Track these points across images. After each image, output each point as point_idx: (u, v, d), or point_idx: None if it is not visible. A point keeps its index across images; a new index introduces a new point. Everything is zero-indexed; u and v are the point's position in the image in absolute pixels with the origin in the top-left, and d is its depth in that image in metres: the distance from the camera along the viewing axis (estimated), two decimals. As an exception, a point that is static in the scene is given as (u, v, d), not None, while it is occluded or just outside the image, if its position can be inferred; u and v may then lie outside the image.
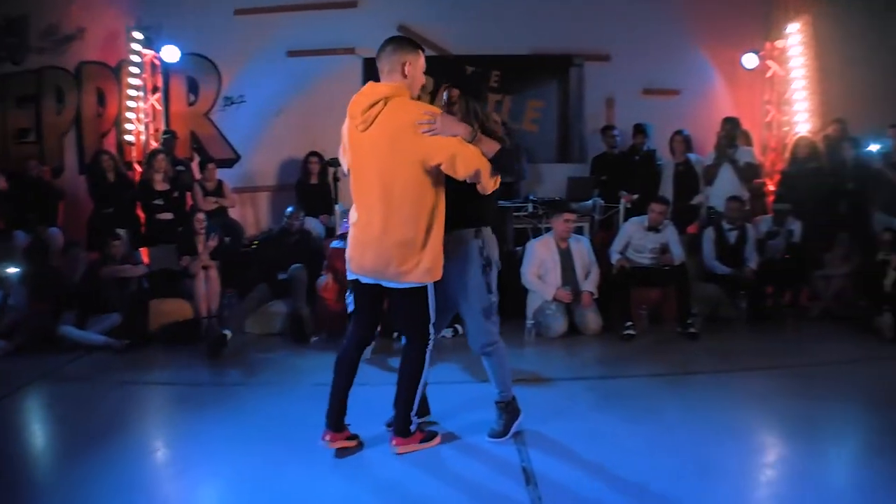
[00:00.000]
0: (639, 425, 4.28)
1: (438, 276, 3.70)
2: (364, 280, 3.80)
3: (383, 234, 3.60)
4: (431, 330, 3.81)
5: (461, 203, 3.69)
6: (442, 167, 3.52)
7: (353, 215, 3.80)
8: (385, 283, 3.74)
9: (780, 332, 7.01)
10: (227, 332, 6.10)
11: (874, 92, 8.57)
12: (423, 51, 3.78)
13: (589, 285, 6.75)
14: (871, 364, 5.74)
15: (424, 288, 3.72)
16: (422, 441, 3.94)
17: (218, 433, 4.33)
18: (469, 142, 3.53)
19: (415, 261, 3.61)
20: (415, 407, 3.91)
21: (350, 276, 3.93)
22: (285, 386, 5.37)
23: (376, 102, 3.60)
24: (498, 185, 3.73)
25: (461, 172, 3.52)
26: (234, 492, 3.54)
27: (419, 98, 3.88)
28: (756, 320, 7.12)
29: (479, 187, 3.63)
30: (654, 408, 4.62)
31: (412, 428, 3.92)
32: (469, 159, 3.51)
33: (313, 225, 8.12)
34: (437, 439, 4.00)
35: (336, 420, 3.99)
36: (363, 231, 3.70)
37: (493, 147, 3.58)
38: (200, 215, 7.27)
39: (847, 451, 4.07)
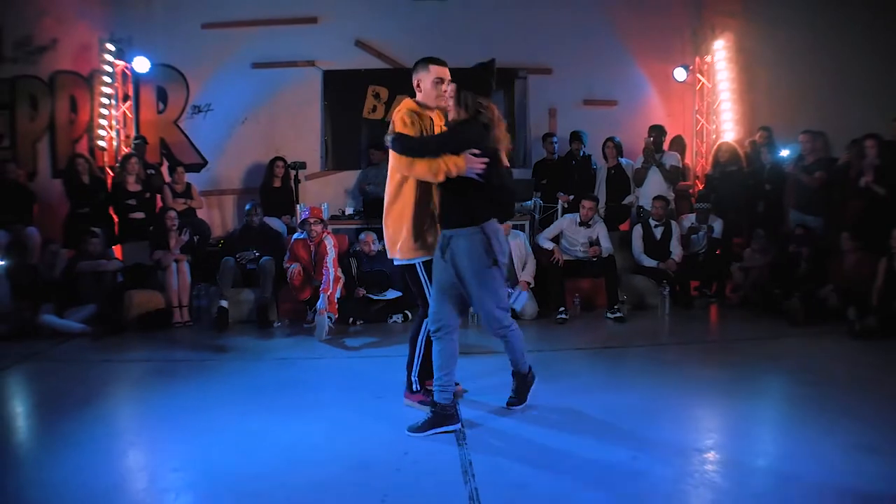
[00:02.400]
0: (557, 385, 4.90)
1: (414, 256, 4.21)
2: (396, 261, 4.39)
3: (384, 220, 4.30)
4: (431, 304, 4.16)
5: (462, 201, 3.95)
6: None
7: None
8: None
9: (700, 317, 7.65)
10: (224, 303, 6.70)
11: (797, 101, 9.08)
12: (436, 64, 4.20)
13: (526, 275, 7.42)
14: (779, 340, 6.36)
15: (414, 266, 4.30)
16: (421, 401, 4.37)
17: (190, 397, 4.87)
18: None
19: (397, 243, 4.24)
20: (415, 369, 4.45)
21: None
22: (250, 361, 5.96)
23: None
24: (436, 176, 3.90)
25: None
26: (205, 439, 4.01)
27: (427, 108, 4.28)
28: (679, 307, 7.74)
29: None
30: (574, 373, 5.29)
31: (414, 387, 4.47)
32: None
33: (276, 224, 8.65)
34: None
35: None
36: None
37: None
38: (172, 213, 7.80)
39: (764, 405, 4.61)
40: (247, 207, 7.85)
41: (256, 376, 5.42)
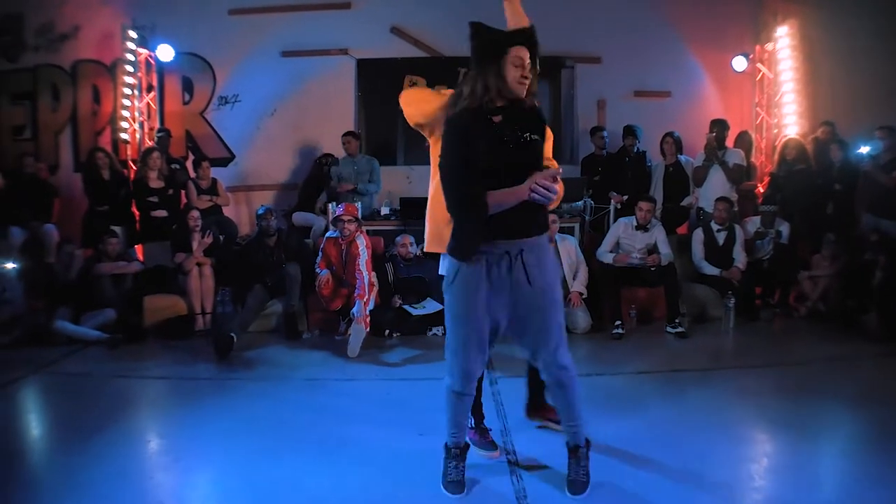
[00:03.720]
0: (624, 420, 4.34)
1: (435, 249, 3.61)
2: None
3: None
4: None
5: (533, 207, 3.01)
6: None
7: None
8: None
9: (767, 332, 7.06)
10: (234, 336, 6.14)
11: (862, 95, 8.63)
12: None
13: (577, 285, 6.82)
14: (856, 361, 5.79)
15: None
16: (473, 441, 3.85)
17: (211, 425, 4.41)
18: None
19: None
20: None
21: None
22: (277, 381, 5.44)
23: None
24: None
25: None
26: (225, 480, 3.60)
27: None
28: (744, 320, 7.14)
29: None
30: (640, 404, 4.69)
31: (470, 423, 3.87)
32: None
33: (309, 219, 8.40)
34: (492, 453, 3.83)
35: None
36: None
37: None
38: (195, 212, 7.32)
39: (835, 446, 4.10)
40: (259, 212, 7.29)
41: (283, 402, 4.88)
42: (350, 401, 4.87)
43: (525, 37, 3.10)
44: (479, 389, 3.81)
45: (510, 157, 2.98)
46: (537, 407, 4.26)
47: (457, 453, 3.46)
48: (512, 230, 3.05)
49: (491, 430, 3.98)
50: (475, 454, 3.78)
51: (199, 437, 4.25)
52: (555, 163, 3.31)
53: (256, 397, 5.00)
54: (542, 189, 2.89)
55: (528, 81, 3.06)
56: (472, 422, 3.90)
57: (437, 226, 3.57)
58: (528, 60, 3.04)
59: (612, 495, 3.37)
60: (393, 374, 5.55)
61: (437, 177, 3.20)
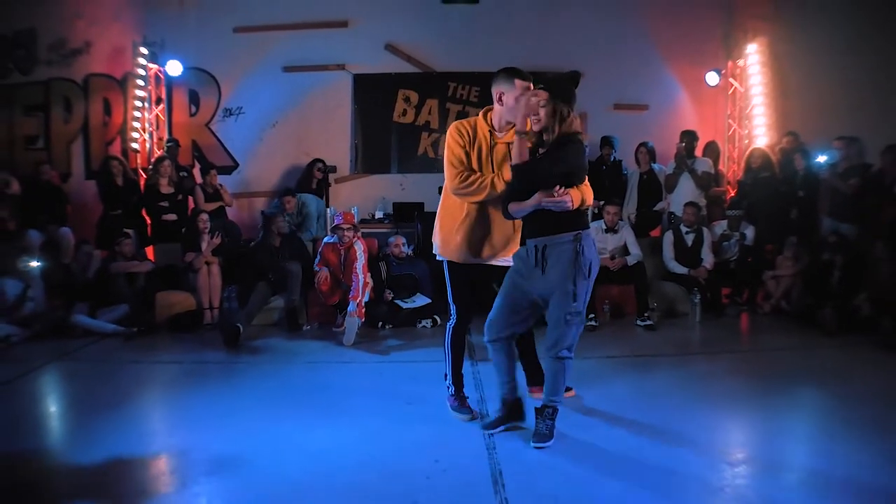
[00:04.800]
0: (589, 392, 4.88)
1: (446, 255, 4.36)
2: None
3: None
4: (452, 308, 4.44)
5: (556, 213, 3.82)
6: None
7: None
8: None
9: (732, 326, 7.55)
10: (240, 326, 6.65)
11: (828, 107, 8.99)
12: (521, 79, 4.04)
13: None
14: (812, 350, 6.26)
15: (441, 263, 4.46)
16: (451, 406, 4.46)
17: (219, 400, 4.92)
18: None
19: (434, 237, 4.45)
20: (448, 374, 4.48)
21: None
22: (280, 364, 6.00)
23: None
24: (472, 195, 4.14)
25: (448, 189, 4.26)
26: (237, 445, 4.02)
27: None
28: (710, 316, 7.60)
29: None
30: (605, 381, 5.25)
31: (449, 390, 4.49)
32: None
33: (307, 199, 8.87)
34: (468, 416, 4.37)
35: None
36: None
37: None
38: (204, 215, 7.85)
39: (795, 417, 4.54)
40: (267, 212, 7.81)
41: (287, 380, 5.45)
42: (347, 379, 5.45)
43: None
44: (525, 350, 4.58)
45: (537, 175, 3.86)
46: (535, 381, 4.69)
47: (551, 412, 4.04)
48: (542, 229, 3.86)
49: (468, 398, 4.53)
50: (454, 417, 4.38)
51: (208, 408, 4.72)
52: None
53: (261, 377, 5.53)
54: (550, 201, 3.75)
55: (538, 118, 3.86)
56: (453, 389, 4.48)
57: (447, 235, 4.33)
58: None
59: (570, 447, 3.91)
60: (385, 358, 6.12)
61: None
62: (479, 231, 4.29)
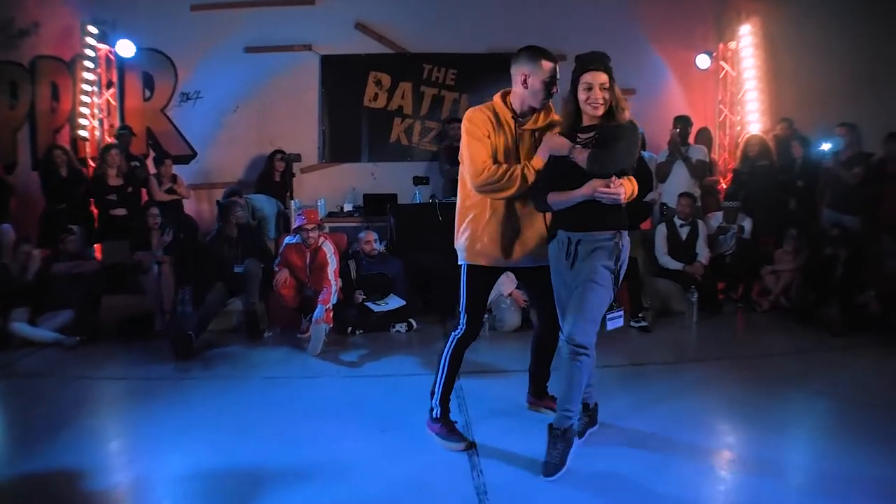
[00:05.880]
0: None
1: (473, 260, 3.82)
2: None
3: None
4: (462, 318, 3.86)
5: (601, 207, 3.47)
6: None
7: None
8: None
9: (730, 326, 7.11)
10: (192, 334, 6.01)
11: (823, 92, 8.68)
12: (549, 61, 3.69)
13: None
14: (818, 355, 5.85)
15: (461, 267, 3.89)
16: (439, 434, 3.87)
17: (169, 424, 4.34)
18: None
19: (456, 240, 3.89)
20: (436, 392, 3.89)
21: None
22: (236, 379, 5.35)
23: None
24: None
25: (471, 186, 3.73)
26: (182, 478, 3.52)
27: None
28: (707, 314, 7.18)
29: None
30: (603, 395, 4.66)
31: (434, 413, 3.90)
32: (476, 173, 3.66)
33: (262, 202, 8.30)
34: (461, 445, 3.80)
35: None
36: None
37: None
38: (154, 210, 7.22)
39: (800, 436, 4.15)
40: (221, 201, 7.20)
41: (244, 400, 4.83)
42: (312, 398, 4.82)
43: (591, 62, 3.59)
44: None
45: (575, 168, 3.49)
46: (539, 395, 4.33)
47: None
48: (579, 223, 3.53)
49: (456, 422, 3.95)
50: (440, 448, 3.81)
51: (156, 436, 4.17)
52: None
53: (215, 396, 4.92)
54: (605, 192, 3.40)
55: (600, 103, 3.50)
56: (439, 412, 3.88)
57: (473, 236, 3.81)
58: (598, 83, 3.50)
59: (576, 481, 3.40)
60: (354, 371, 5.50)
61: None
62: (508, 230, 3.78)
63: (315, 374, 5.38)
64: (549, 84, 3.65)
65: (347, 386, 5.11)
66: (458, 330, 3.85)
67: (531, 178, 3.58)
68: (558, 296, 3.72)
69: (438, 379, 3.86)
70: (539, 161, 3.60)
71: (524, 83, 3.65)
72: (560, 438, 3.51)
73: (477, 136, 3.67)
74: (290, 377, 5.35)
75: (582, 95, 3.53)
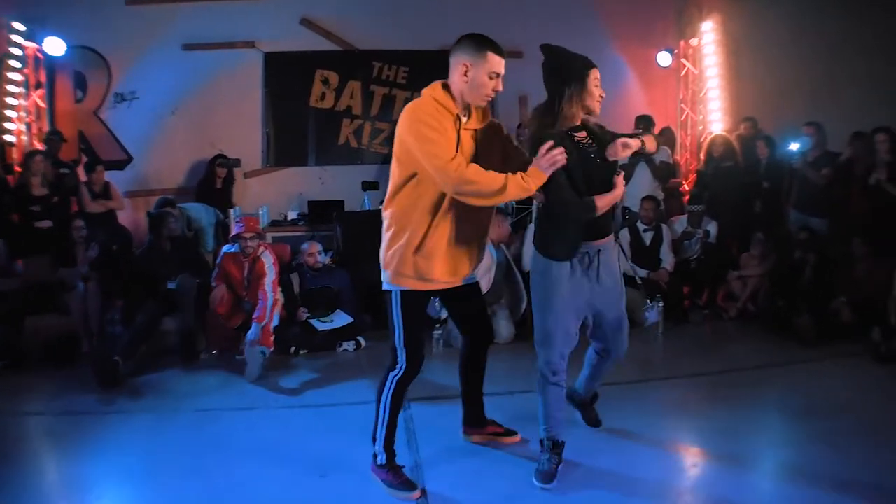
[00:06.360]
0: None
1: (405, 285, 3.32)
2: None
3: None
4: (400, 355, 3.39)
5: (607, 213, 3.38)
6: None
7: None
8: None
9: (698, 336, 6.83)
10: (118, 360, 5.47)
11: (786, 91, 8.54)
12: (495, 53, 3.25)
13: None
14: (792, 369, 5.61)
15: (390, 294, 3.37)
16: (385, 482, 3.44)
17: (82, 469, 3.90)
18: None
19: (382, 258, 3.38)
20: (379, 437, 3.45)
21: None
22: (165, 412, 4.84)
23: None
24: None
25: (449, 189, 3.18)
26: None
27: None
28: (673, 324, 6.90)
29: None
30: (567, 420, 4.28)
31: (378, 460, 3.47)
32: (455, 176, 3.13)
33: (198, 211, 7.89)
34: (411, 494, 3.39)
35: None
36: None
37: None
38: (79, 222, 6.66)
39: (771, 465, 3.89)
40: (152, 212, 6.71)
41: (170, 438, 4.33)
42: (246, 435, 4.34)
43: (587, 58, 3.44)
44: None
45: (598, 169, 3.35)
46: (478, 423, 3.93)
47: (550, 446, 3.54)
48: (598, 232, 3.42)
49: (404, 466, 3.53)
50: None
51: (68, 483, 3.75)
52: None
53: (139, 433, 4.43)
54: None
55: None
56: (384, 458, 3.45)
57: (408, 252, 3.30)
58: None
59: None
60: (295, 400, 5.02)
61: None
62: (458, 243, 3.35)
63: (251, 405, 4.88)
64: (495, 78, 3.23)
65: (286, 419, 4.63)
66: (397, 370, 3.38)
67: (529, 188, 3.16)
68: (576, 316, 3.48)
69: (379, 424, 3.43)
70: (539, 174, 3.17)
71: (465, 75, 3.21)
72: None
73: (437, 129, 3.15)
74: (224, 409, 4.83)
75: (596, 92, 3.41)
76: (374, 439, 3.45)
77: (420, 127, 3.15)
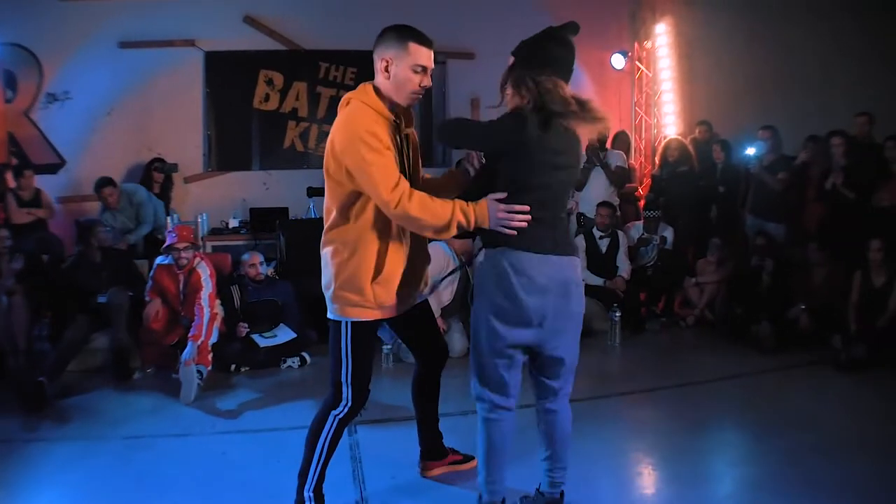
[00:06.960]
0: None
1: (358, 316, 3.00)
2: None
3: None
4: (345, 391, 3.05)
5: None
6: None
7: None
8: None
9: (656, 346, 6.71)
10: (43, 381, 5.08)
11: (738, 94, 8.52)
12: (418, 43, 2.90)
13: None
14: (751, 380, 5.54)
15: (339, 325, 3.01)
16: None
17: None
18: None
19: (328, 286, 3.03)
20: (310, 480, 3.12)
21: None
22: (91, 441, 4.46)
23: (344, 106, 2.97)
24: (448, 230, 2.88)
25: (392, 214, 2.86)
26: None
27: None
28: (630, 333, 6.80)
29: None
30: (521, 441, 4.01)
31: None
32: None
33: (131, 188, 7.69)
34: None
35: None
36: None
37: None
38: (3, 232, 6.22)
39: (731, 485, 3.78)
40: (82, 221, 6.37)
41: (96, 469, 3.97)
42: (177, 467, 3.98)
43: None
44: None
45: None
46: (438, 454, 3.65)
47: None
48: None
49: None
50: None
51: None
52: None
53: (63, 465, 4.06)
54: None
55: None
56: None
57: (366, 277, 3.04)
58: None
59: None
60: (232, 425, 4.69)
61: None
62: (408, 264, 3.07)
63: (185, 431, 4.54)
64: (420, 73, 2.90)
65: (222, 446, 4.29)
66: (340, 408, 3.06)
67: (468, 228, 2.85)
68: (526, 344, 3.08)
69: (313, 466, 3.10)
70: (485, 220, 2.84)
71: (385, 70, 2.90)
72: None
73: (376, 150, 2.79)
74: (156, 436, 4.47)
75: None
76: (303, 482, 3.13)
77: (359, 147, 2.79)
